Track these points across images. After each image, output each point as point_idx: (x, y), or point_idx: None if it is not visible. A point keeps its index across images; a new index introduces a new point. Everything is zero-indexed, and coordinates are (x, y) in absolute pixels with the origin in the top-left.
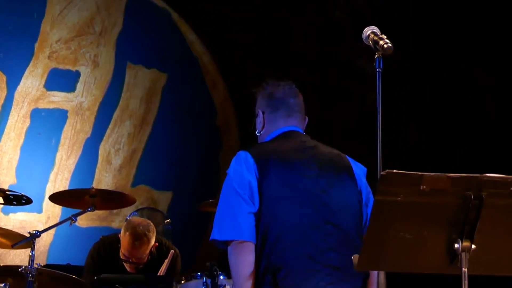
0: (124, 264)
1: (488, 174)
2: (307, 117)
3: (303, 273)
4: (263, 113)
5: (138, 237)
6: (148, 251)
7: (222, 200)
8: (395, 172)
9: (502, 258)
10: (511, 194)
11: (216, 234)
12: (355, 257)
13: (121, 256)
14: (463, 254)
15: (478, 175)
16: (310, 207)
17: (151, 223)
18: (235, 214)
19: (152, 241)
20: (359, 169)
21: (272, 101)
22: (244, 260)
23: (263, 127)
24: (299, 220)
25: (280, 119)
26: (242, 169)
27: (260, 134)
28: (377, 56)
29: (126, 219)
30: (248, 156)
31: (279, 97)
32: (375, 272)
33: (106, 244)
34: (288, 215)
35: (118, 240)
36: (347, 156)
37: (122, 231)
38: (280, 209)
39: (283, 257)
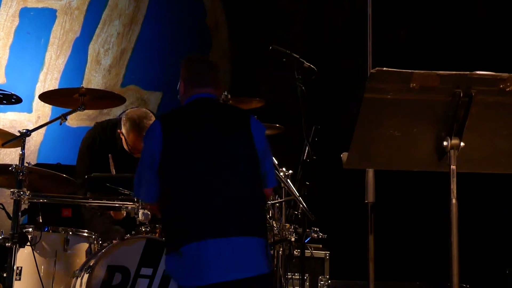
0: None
1: (477, 72)
2: (222, 87)
3: (190, 224)
4: (184, 81)
5: (143, 131)
6: None
7: (138, 165)
8: (385, 70)
9: (490, 156)
10: (501, 91)
11: (134, 190)
12: (344, 155)
13: (127, 149)
14: (451, 151)
15: (468, 72)
16: (204, 167)
17: (148, 111)
18: (140, 181)
19: None
20: (258, 130)
21: (192, 75)
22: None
23: (183, 93)
24: (193, 180)
25: (196, 88)
26: (150, 142)
27: (180, 99)
28: None
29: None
30: (158, 127)
31: (198, 71)
32: None
33: (100, 131)
34: (184, 176)
35: (113, 125)
36: (252, 117)
37: (124, 129)
38: (178, 171)
39: (177, 212)
